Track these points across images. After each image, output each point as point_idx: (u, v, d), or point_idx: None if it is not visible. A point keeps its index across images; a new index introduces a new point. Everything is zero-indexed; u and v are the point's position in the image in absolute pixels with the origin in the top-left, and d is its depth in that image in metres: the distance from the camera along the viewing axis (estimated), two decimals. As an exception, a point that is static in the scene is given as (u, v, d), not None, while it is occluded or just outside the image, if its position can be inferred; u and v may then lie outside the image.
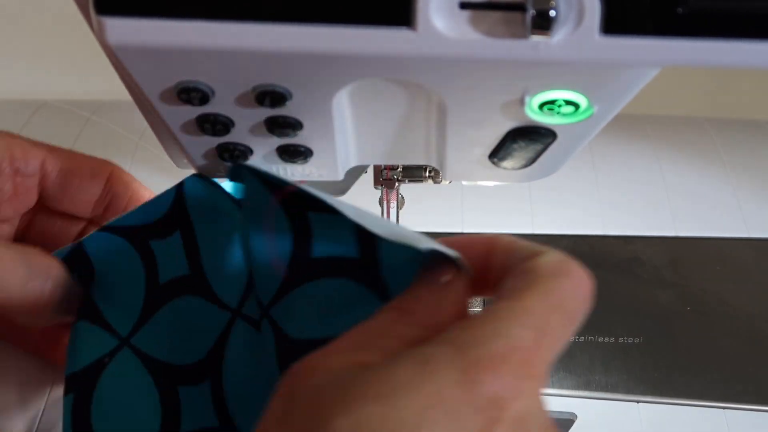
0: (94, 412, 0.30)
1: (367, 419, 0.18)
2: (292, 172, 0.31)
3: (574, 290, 0.21)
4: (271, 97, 0.24)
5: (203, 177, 0.31)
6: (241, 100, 0.25)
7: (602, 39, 0.21)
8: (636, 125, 0.64)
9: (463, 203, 0.56)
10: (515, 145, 0.28)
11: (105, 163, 0.33)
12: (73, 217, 0.34)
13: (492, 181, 0.33)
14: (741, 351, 0.47)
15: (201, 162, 0.30)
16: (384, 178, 0.40)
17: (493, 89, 0.24)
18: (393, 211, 0.42)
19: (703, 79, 0.77)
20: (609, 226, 0.55)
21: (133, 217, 0.31)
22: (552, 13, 0.20)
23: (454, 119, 0.27)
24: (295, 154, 0.29)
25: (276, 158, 0.29)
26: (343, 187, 0.43)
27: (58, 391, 0.36)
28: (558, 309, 0.21)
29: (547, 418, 0.20)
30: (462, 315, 0.23)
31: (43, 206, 0.34)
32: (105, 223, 0.32)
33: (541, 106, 0.25)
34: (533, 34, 0.20)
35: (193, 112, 0.26)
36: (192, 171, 0.32)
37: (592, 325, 0.46)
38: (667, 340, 0.48)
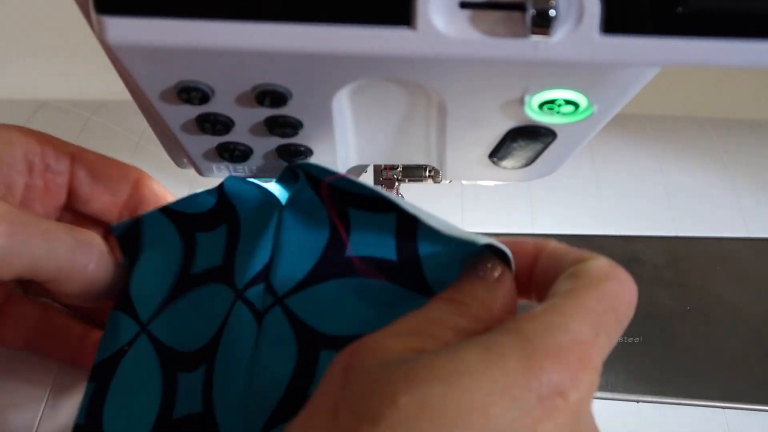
0: (108, 400, 0.31)
1: (432, 398, 0.18)
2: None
3: (624, 294, 0.23)
4: (271, 97, 0.24)
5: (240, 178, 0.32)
6: (241, 100, 0.25)
7: (602, 39, 0.21)
8: (636, 125, 0.64)
9: (463, 203, 0.56)
10: (515, 145, 0.28)
11: (133, 169, 0.34)
12: (97, 222, 0.35)
13: (492, 180, 0.33)
14: (741, 351, 0.47)
15: (201, 162, 0.30)
16: (384, 177, 0.40)
17: (493, 89, 0.24)
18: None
19: (703, 79, 0.77)
20: (609, 225, 0.55)
21: (188, 204, 0.32)
22: (552, 12, 0.20)
23: (454, 119, 0.27)
24: (295, 153, 0.29)
25: (276, 158, 0.29)
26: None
27: (57, 394, 0.36)
28: (612, 310, 0.22)
29: (592, 412, 0.22)
30: (511, 311, 0.24)
31: (70, 208, 0.34)
32: None
33: (541, 105, 0.25)
34: (533, 33, 0.20)
35: (193, 111, 0.26)
36: (192, 171, 0.32)
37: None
38: (667, 340, 0.48)
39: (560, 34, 0.21)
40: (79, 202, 0.34)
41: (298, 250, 0.29)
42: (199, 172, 0.31)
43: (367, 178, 0.42)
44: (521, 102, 0.25)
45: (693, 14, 0.20)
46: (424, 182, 0.40)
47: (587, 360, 0.20)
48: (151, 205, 0.34)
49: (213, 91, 0.24)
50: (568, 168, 0.33)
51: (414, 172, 0.40)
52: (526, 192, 0.57)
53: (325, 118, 0.26)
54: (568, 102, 0.25)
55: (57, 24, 0.71)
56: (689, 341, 0.48)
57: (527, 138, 0.28)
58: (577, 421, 0.20)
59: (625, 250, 0.53)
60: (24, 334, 0.35)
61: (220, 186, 0.32)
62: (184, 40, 0.21)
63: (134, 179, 0.34)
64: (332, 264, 0.28)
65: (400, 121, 0.28)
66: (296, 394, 0.26)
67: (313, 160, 0.30)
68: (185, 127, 0.27)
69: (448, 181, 0.37)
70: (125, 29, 0.21)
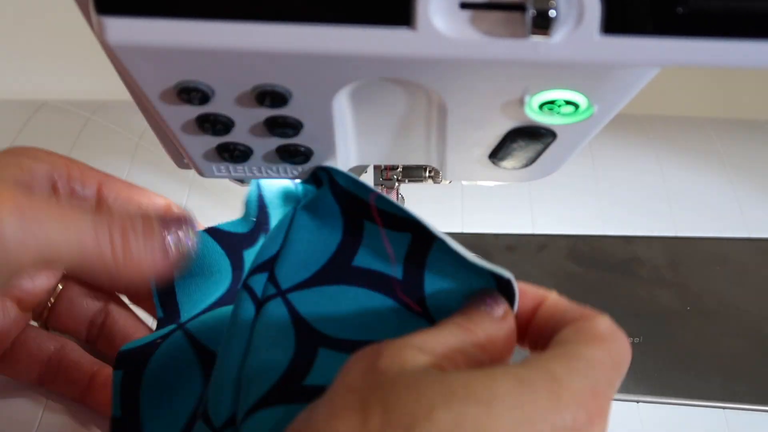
0: (144, 387, 0.32)
1: (467, 417, 0.20)
2: (292, 172, 0.31)
3: (627, 354, 0.25)
4: (271, 97, 0.24)
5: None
6: (241, 100, 0.25)
7: (602, 39, 0.21)
8: (636, 125, 0.64)
9: (463, 203, 0.56)
10: (515, 145, 0.28)
11: (161, 197, 0.34)
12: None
13: (492, 181, 0.33)
14: (741, 351, 0.47)
15: (201, 162, 0.30)
16: (384, 178, 0.40)
17: (493, 89, 0.24)
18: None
19: (703, 79, 0.77)
20: (609, 226, 0.55)
21: (233, 225, 0.34)
22: (552, 13, 0.20)
23: (454, 119, 0.27)
24: (295, 154, 0.29)
25: (276, 158, 0.29)
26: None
27: (50, 413, 0.37)
28: (617, 367, 0.24)
29: None
30: (510, 350, 0.26)
31: None
32: None
33: (541, 106, 0.25)
34: (533, 34, 0.20)
35: (193, 112, 0.26)
36: (192, 171, 0.32)
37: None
38: (667, 340, 0.48)
39: (560, 34, 0.21)
40: None
41: (307, 250, 0.30)
42: (199, 172, 0.31)
43: (367, 178, 0.42)
44: (521, 102, 0.25)
45: (693, 14, 0.20)
46: (424, 182, 0.40)
47: (604, 409, 0.22)
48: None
49: (213, 92, 0.24)
50: (568, 168, 0.33)
51: (414, 173, 0.40)
52: (526, 192, 0.57)
53: (326, 119, 0.26)
54: (568, 102, 0.25)
55: (57, 24, 0.71)
56: (689, 341, 0.48)
57: (527, 138, 0.28)
58: None
59: (625, 250, 0.53)
60: (38, 369, 0.36)
61: (258, 190, 0.33)
62: (184, 41, 0.21)
63: (162, 207, 0.34)
64: (337, 270, 0.29)
65: (401, 121, 0.28)
66: (292, 383, 0.26)
67: (314, 160, 0.30)
68: (185, 128, 0.27)
69: (448, 182, 0.37)
70: (125, 29, 0.21)
